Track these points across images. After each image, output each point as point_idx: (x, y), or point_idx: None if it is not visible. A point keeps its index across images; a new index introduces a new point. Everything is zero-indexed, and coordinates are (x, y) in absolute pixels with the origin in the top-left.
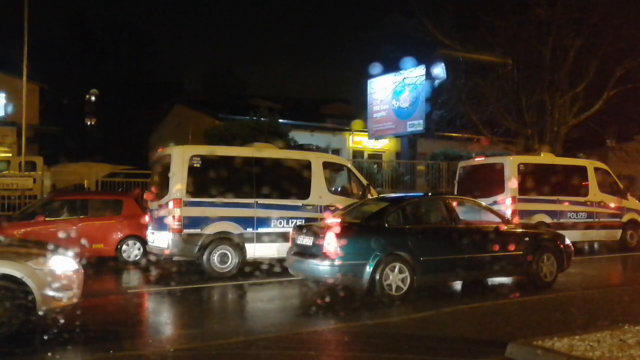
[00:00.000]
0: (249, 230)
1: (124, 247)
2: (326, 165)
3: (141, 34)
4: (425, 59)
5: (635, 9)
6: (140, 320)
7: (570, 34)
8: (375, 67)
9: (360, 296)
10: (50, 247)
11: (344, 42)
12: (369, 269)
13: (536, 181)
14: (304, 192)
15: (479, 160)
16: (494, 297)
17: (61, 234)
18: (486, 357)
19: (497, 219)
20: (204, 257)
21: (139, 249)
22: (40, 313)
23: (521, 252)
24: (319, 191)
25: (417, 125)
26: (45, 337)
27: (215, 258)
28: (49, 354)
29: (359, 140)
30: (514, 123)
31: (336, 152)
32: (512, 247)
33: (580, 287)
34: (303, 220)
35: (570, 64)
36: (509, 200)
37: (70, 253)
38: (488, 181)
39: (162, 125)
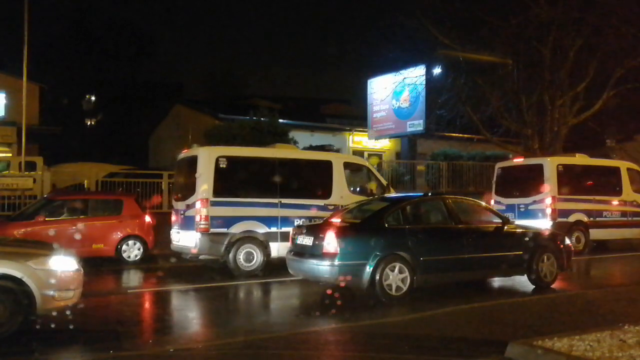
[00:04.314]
0: (273, 229)
1: (124, 247)
2: (346, 165)
3: (141, 34)
4: (425, 59)
5: (635, 9)
6: (140, 320)
7: (570, 34)
8: (376, 67)
9: (360, 296)
10: (50, 247)
11: (344, 42)
12: (369, 269)
13: (573, 181)
14: (326, 192)
15: (518, 161)
16: (494, 297)
17: (61, 234)
18: (486, 357)
19: (497, 219)
20: (230, 255)
21: (139, 249)
22: (41, 312)
23: (521, 252)
24: (340, 191)
25: (417, 125)
26: (45, 337)
27: (241, 256)
28: (49, 354)
29: (359, 140)
30: (514, 123)
31: (336, 152)
32: (512, 247)
33: (580, 287)
34: None
35: (570, 64)
36: (548, 200)
37: (70, 253)
38: (527, 181)
39: (162, 125)
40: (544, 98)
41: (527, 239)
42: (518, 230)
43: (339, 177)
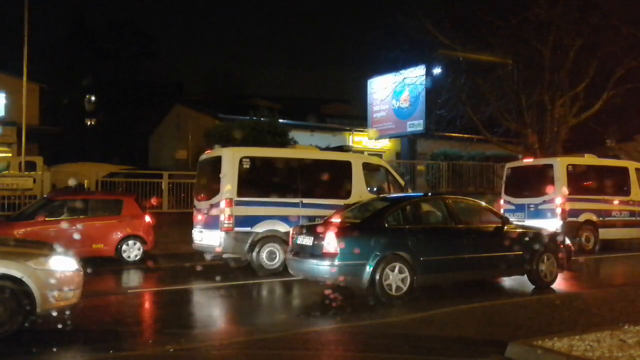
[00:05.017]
0: None
1: (124, 247)
2: (365, 166)
3: (141, 34)
4: (426, 59)
5: (635, 9)
6: (140, 320)
7: (570, 34)
8: (376, 67)
9: (360, 296)
10: (50, 247)
11: (344, 42)
12: (369, 269)
13: (583, 181)
14: (346, 192)
15: (528, 161)
16: (494, 297)
17: (61, 234)
18: (486, 357)
19: (497, 219)
20: (254, 254)
21: (139, 249)
22: (40, 313)
23: (521, 252)
24: (359, 191)
25: (417, 125)
26: (45, 337)
27: (264, 255)
28: (49, 354)
29: (359, 140)
30: (514, 123)
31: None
32: (512, 247)
33: (581, 287)
34: None
35: (570, 64)
36: (559, 200)
37: (70, 253)
38: (537, 181)
39: (162, 125)
40: (544, 98)
41: (527, 239)
42: (518, 230)
43: (358, 177)
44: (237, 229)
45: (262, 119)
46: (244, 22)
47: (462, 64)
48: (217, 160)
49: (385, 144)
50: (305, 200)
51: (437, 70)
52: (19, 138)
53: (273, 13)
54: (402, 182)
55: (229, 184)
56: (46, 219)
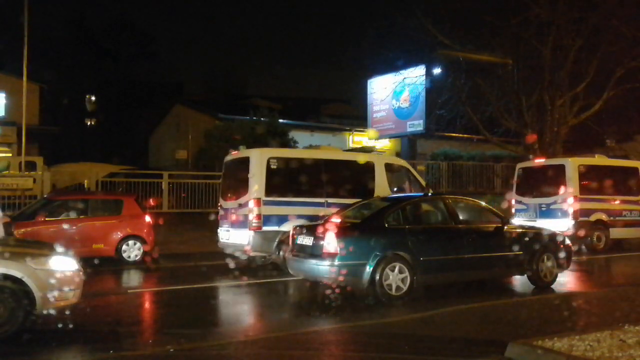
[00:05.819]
0: None
1: (124, 247)
2: (387, 166)
3: (141, 34)
4: (426, 59)
5: (635, 9)
6: (140, 320)
7: (570, 34)
8: (376, 67)
9: (360, 296)
10: (50, 247)
11: (344, 42)
12: (369, 269)
13: (594, 181)
14: (369, 192)
15: (539, 161)
16: (494, 297)
17: (61, 234)
18: (486, 357)
19: (497, 219)
20: (280, 252)
21: (139, 249)
22: (41, 313)
23: (521, 252)
24: (382, 191)
25: (417, 125)
26: (45, 337)
27: None
28: (49, 354)
29: (359, 140)
30: (514, 123)
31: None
32: (511, 247)
33: (581, 287)
34: None
35: (570, 64)
36: (570, 200)
37: (70, 253)
38: (548, 182)
39: (162, 125)
40: (544, 98)
41: (527, 238)
42: (518, 230)
43: (380, 177)
44: (265, 228)
45: (262, 119)
46: (244, 22)
47: (462, 64)
48: (243, 161)
49: (385, 144)
50: (330, 200)
51: (437, 70)
52: (19, 138)
53: (273, 13)
54: (423, 182)
55: (257, 184)
56: (46, 219)
